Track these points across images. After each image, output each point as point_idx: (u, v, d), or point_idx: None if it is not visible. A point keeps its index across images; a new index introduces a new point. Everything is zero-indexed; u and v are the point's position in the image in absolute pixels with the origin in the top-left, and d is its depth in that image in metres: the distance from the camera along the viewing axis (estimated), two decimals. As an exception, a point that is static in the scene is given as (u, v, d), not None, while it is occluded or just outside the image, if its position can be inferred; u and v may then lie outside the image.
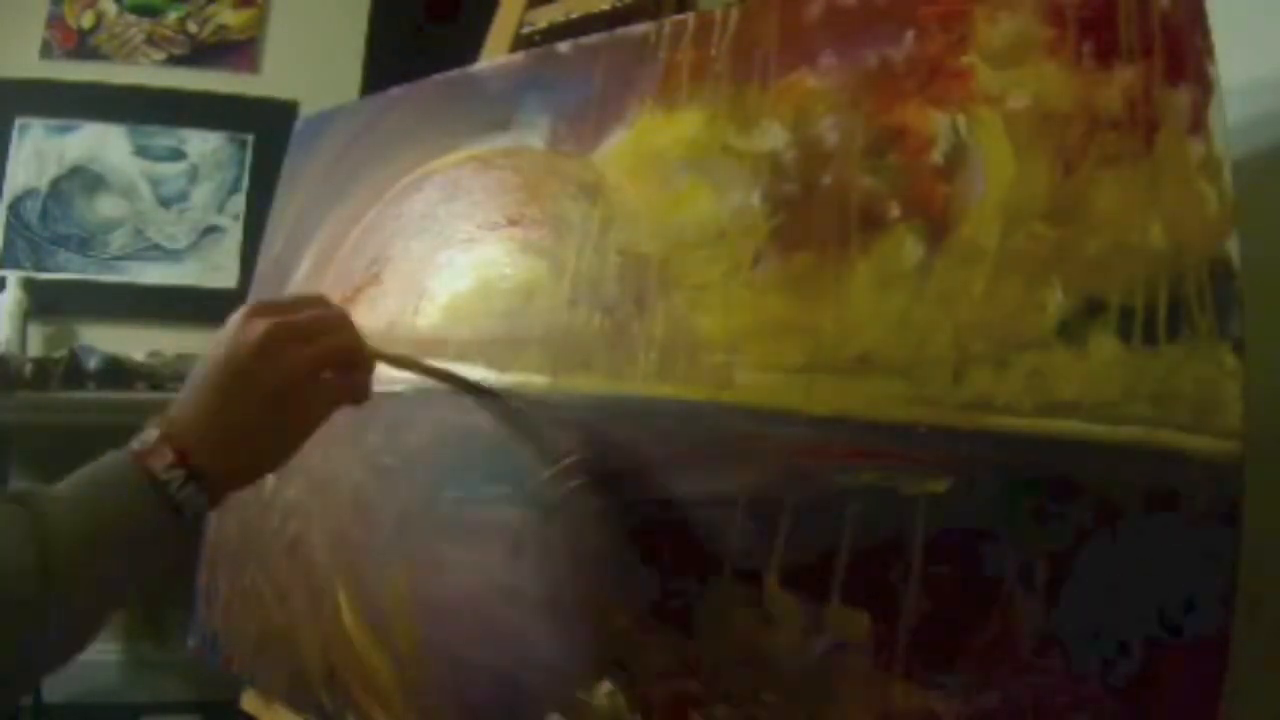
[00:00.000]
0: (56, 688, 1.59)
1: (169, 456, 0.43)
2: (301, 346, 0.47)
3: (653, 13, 0.81)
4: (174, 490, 0.43)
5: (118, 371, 1.50)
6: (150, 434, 0.45)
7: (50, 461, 1.70)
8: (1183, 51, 0.41)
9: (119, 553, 0.43)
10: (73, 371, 1.47)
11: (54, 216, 1.89)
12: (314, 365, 0.48)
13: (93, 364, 1.47)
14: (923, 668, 0.41)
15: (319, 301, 0.52)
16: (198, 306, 1.84)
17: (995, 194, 0.44)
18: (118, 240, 1.90)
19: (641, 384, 0.54)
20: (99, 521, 0.42)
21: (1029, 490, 0.40)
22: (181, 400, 0.46)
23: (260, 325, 0.46)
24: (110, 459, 0.44)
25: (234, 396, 0.45)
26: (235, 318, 0.47)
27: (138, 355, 1.61)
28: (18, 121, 1.88)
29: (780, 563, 0.46)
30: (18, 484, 1.67)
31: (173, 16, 1.96)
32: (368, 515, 0.68)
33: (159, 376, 1.54)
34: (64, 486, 0.43)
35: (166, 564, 0.45)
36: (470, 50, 0.92)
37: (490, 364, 0.63)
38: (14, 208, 1.87)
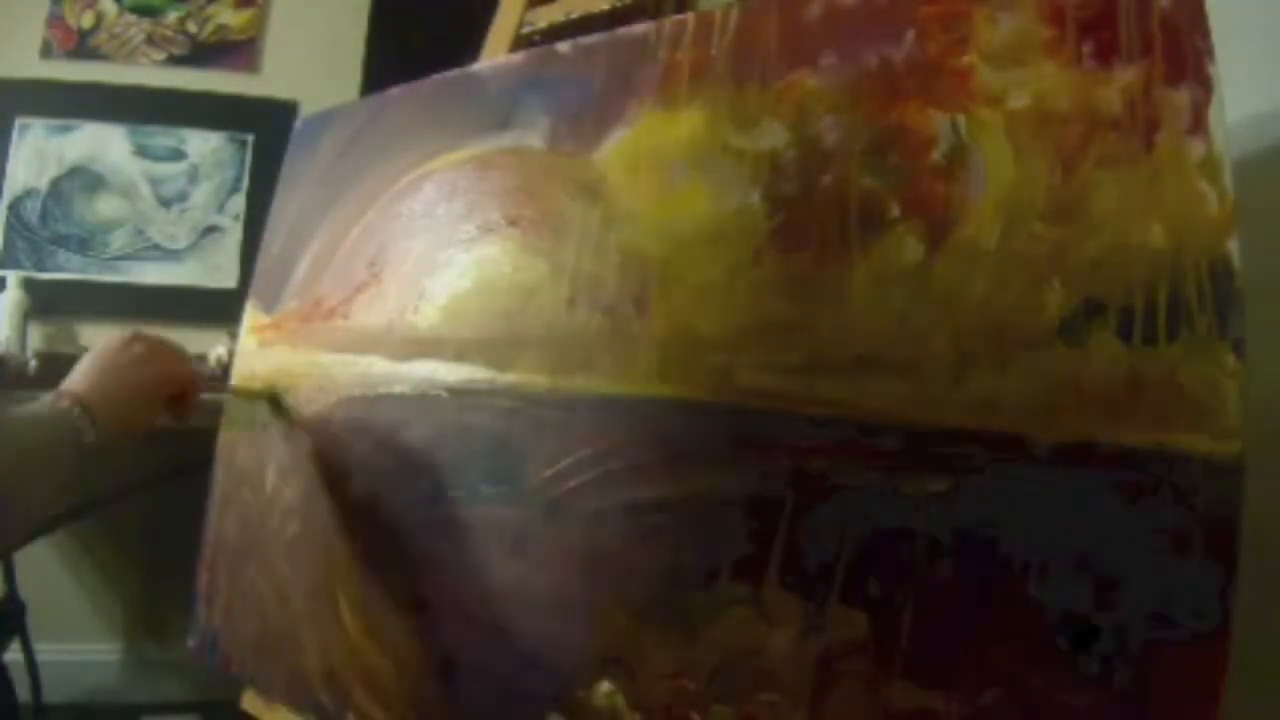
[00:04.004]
0: (57, 688, 1.59)
1: (70, 397, 0.65)
2: (160, 364, 0.71)
3: (653, 13, 0.81)
4: (74, 417, 0.63)
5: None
6: (55, 391, 0.66)
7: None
8: (1183, 51, 0.40)
9: (37, 454, 0.61)
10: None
11: (54, 216, 1.89)
12: (163, 379, 0.71)
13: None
14: (923, 668, 0.41)
15: (172, 345, 0.75)
16: (198, 306, 1.83)
17: (995, 194, 0.44)
18: (118, 240, 1.90)
19: (641, 384, 0.54)
20: (27, 432, 0.62)
21: (1029, 490, 0.40)
22: (78, 375, 0.68)
23: (142, 344, 0.70)
24: (37, 401, 0.65)
25: (114, 381, 0.68)
26: (125, 334, 0.71)
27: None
28: (18, 121, 1.88)
29: (780, 563, 0.46)
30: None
31: (173, 16, 1.96)
32: (368, 515, 0.68)
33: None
34: (11, 412, 0.63)
35: (62, 474, 0.63)
36: (470, 50, 0.92)
37: (490, 364, 0.63)
38: (14, 208, 1.87)
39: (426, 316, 0.69)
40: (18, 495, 0.60)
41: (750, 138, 0.54)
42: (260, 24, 1.98)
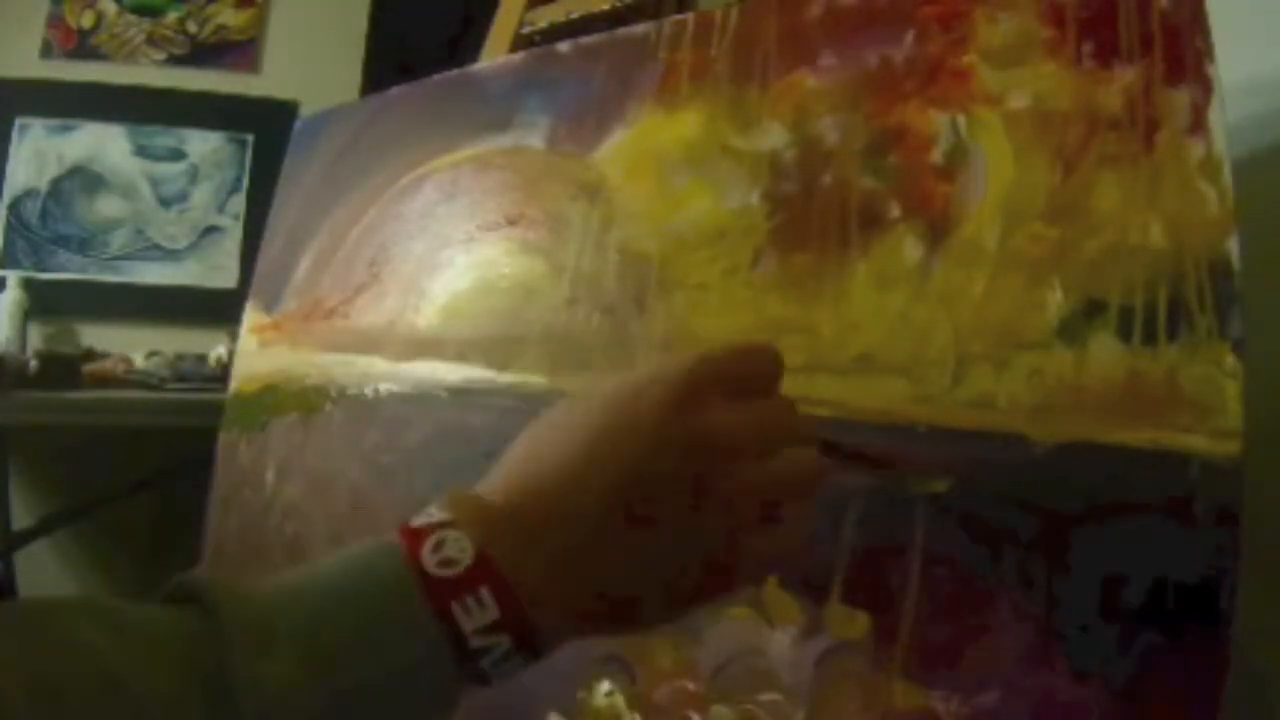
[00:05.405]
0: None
1: (491, 608, 0.26)
2: (753, 437, 0.29)
3: (653, 13, 0.81)
4: (488, 664, 0.27)
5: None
6: (450, 537, 0.27)
7: (50, 461, 1.70)
8: (1183, 51, 0.40)
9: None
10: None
11: (54, 216, 1.89)
12: (765, 486, 0.30)
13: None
14: (923, 668, 0.41)
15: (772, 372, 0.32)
16: (198, 306, 1.84)
17: (995, 194, 0.44)
18: (118, 240, 1.90)
19: (641, 384, 0.54)
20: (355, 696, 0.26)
21: (1029, 490, 0.40)
22: (513, 477, 0.28)
23: (688, 379, 0.29)
24: (379, 583, 0.27)
25: (615, 486, 0.27)
26: (677, 365, 0.29)
27: (136, 355, 1.62)
28: (18, 121, 1.88)
29: (780, 563, 0.46)
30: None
31: (173, 16, 1.96)
32: (367, 515, 0.68)
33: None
34: (298, 628, 0.26)
35: None
36: (470, 50, 0.92)
37: (489, 364, 0.63)
38: (14, 208, 1.87)
39: (426, 316, 0.69)
40: None
41: (750, 138, 0.54)
42: (260, 24, 1.98)
